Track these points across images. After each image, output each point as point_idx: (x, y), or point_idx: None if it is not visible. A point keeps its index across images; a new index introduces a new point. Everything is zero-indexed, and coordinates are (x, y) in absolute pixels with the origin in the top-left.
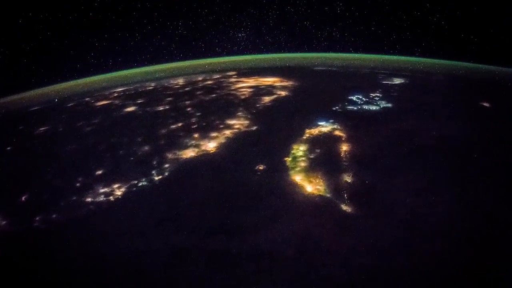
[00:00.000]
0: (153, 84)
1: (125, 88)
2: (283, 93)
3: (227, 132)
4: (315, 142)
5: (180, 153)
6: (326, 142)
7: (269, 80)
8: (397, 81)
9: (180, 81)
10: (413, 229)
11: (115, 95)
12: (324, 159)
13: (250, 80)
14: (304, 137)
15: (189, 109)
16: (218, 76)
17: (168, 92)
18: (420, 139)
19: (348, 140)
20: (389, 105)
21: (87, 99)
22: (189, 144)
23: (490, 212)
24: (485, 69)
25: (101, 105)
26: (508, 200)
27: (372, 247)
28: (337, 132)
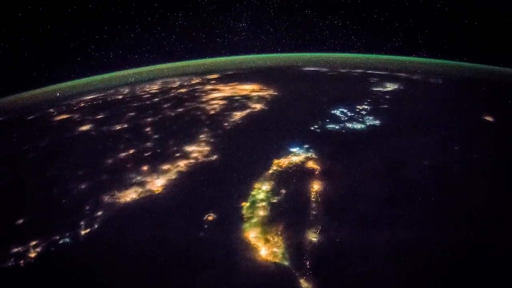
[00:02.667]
0: (127, 90)
1: (96, 96)
2: (258, 106)
3: (182, 164)
4: (282, 179)
5: (120, 194)
6: (295, 179)
7: (247, 89)
8: (390, 87)
9: (156, 87)
10: None
11: (82, 105)
12: (288, 206)
13: (227, 88)
14: (271, 171)
15: (148, 129)
16: (197, 81)
17: (134, 104)
18: (408, 173)
19: (322, 175)
20: (377, 122)
21: (51, 110)
22: (134, 181)
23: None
24: (485, 69)
25: (59, 120)
26: None
27: None
28: (310, 164)
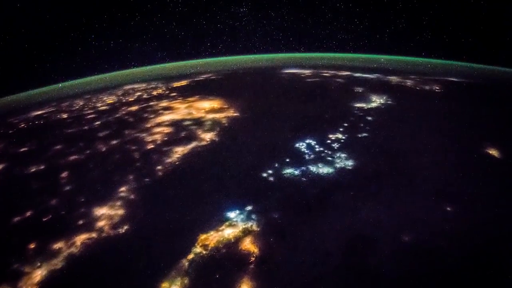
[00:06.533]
0: (81, 103)
1: (44, 111)
2: (207, 137)
3: (78, 242)
4: (201, 273)
5: None
6: (220, 273)
7: (205, 107)
8: (375, 101)
9: (111, 99)
10: None
11: (21, 125)
12: None
13: (183, 106)
14: (191, 256)
15: (65, 174)
16: (159, 91)
17: (69, 130)
18: (379, 264)
19: (258, 268)
20: (349, 163)
21: None
22: (6, 271)
23: None
24: (485, 70)
25: None
26: None
27: None
28: (247, 243)
